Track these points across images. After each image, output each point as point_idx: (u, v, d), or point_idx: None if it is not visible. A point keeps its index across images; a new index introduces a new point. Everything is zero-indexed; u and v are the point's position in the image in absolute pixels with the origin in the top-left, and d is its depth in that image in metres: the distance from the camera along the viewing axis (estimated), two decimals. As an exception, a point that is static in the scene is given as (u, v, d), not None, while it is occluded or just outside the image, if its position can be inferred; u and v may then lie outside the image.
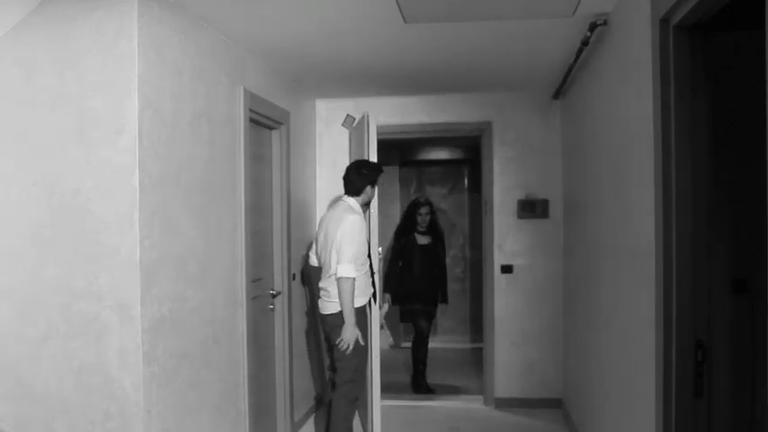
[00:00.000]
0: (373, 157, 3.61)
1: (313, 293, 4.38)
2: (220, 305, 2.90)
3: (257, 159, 3.50)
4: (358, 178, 3.35)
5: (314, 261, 3.50)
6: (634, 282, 2.41)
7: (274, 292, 3.70)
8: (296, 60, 3.49)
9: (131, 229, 2.24)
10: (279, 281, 3.77)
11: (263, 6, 2.59)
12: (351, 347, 3.15)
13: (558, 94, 4.17)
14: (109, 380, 2.28)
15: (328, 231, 3.25)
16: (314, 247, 3.51)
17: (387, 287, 4.93)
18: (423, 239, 5.01)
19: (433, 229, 5.08)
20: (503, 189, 4.52)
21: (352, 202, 3.36)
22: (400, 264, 5.00)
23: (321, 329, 3.43)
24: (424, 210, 5.00)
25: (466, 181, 6.69)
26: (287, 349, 3.78)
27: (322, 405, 4.45)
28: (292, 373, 3.87)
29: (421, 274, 4.94)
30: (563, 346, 4.43)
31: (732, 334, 1.91)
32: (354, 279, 3.12)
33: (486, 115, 4.53)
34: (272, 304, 3.69)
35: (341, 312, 3.16)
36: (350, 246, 3.12)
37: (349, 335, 3.14)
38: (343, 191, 3.45)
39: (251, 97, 3.24)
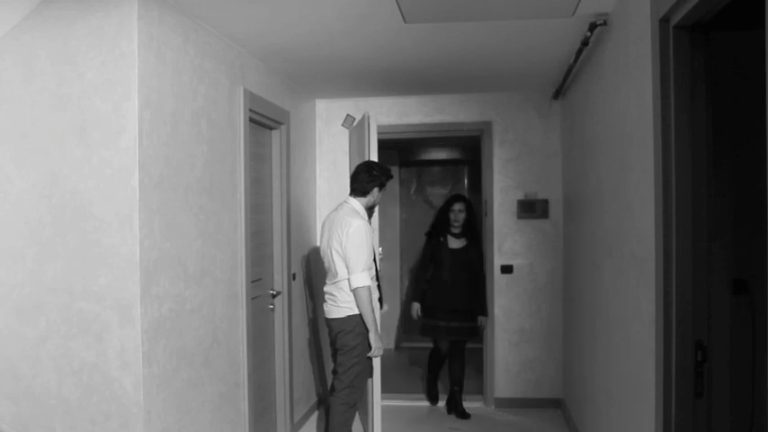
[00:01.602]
0: (374, 157, 3.60)
1: (314, 301, 4.38)
2: (220, 305, 2.90)
3: (257, 159, 3.50)
4: (368, 178, 3.24)
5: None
6: (634, 282, 2.40)
7: (274, 292, 3.70)
8: (296, 60, 3.49)
9: (131, 230, 2.24)
10: (279, 281, 3.77)
11: (263, 6, 2.59)
12: (381, 352, 3.19)
13: (557, 94, 4.17)
14: (109, 380, 2.29)
15: (332, 235, 3.16)
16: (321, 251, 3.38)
17: (416, 296, 4.45)
18: (455, 243, 4.35)
19: (469, 230, 4.36)
20: (502, 189, 4.52)
21: (357, 204, 3.24)
22: (430, 270, 4.42)
23: (328, 333, 3.38)
24: (457, 206, 4.33)
25: (465, 181, 6.69)
26: (287, 349, 3.78)
27: (323, 405, 4.46)
28: (292, 373, 3.87)
29: (451, 284, 4.31)
30: (563, 346, 4.43)
31: (732, 334, 1.91)
32: (369, 287, 3.09)
33: (486, 115, 4.53)
34: (272, 304, 3.69)
35: (348, 317, 3.12)
36: (359, 254, 3.05)
37: (377, 343, 3.15)
38: (343, 193, 3.38)
39: (251, 97, 3.24)
